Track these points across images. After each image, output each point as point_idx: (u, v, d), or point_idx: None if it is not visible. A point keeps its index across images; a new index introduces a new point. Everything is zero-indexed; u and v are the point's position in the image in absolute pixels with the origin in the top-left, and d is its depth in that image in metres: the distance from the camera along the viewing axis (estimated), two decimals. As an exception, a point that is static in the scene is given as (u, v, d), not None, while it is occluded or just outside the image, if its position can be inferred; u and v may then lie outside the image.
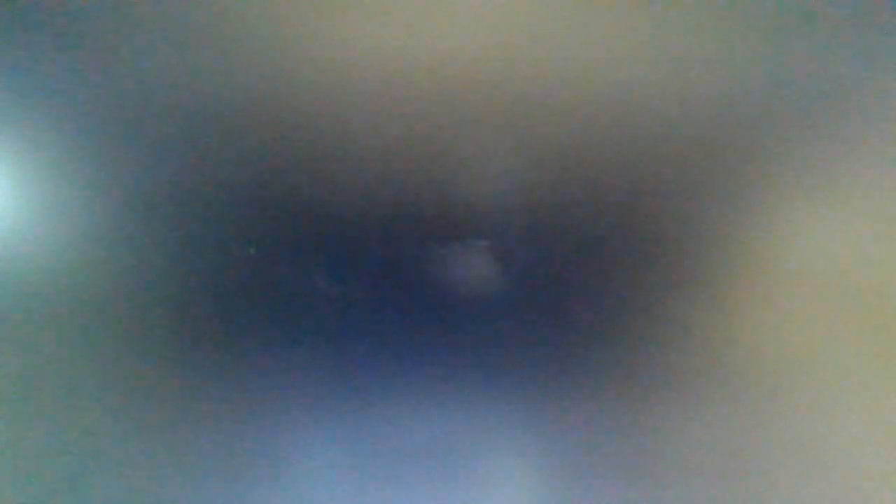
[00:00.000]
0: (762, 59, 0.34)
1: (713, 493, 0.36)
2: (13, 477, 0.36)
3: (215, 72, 0.34)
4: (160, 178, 0.35)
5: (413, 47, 0.34)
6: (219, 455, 0.36)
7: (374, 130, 0.34)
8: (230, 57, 0.34)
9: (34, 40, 0.34)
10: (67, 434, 0.35)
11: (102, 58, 0.34)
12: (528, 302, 0.35)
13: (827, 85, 0.34)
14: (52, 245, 0.35)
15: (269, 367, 0.35)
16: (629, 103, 0.34)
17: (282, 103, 0.34)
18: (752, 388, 0.35)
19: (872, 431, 0.36)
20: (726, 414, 0.36)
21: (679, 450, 0.36)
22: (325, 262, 0.35)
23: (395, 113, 0.34)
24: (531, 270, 0.35)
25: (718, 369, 0.35)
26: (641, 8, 0.34)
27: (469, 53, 0.34)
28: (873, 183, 0.35)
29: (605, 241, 0.35)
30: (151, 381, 0.35)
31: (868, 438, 0.36)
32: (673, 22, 0.34)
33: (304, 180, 0.34)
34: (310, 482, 0.36)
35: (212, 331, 0.35)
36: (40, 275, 0.35)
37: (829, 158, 0.35)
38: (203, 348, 0.35)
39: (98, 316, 0.35)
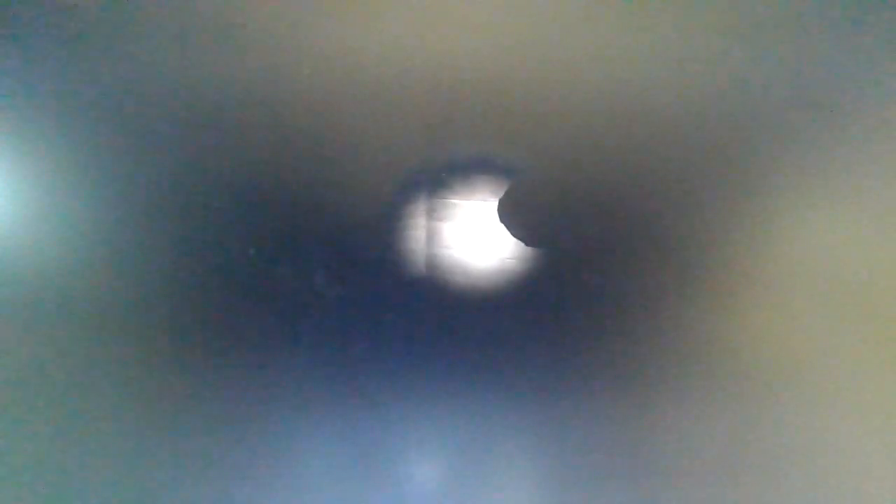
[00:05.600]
0: (763, 59, 0.34)
1: (713, 493, 0.36)
2: (13, 477, 0.36)
3: (216, 72, 0.34)
4: (160, 178, 0.35)
5: (413, 48, 0.34)
6: (218, 455, 0.36)
7: (374, 131, 0.34)
8: (230, 57, 0.34)
9: (34, 40, 0.34)
10: (67, 434, 0.35)
11: (102, 57, 0.34)
12: (528, 302, 0.35)
13: (828, 85, 0.34)
14: (51, 245, 0.35)
15: (269, 366, 0.35)
16: (630, 104, 0.34)
17: (282, 103, 0.34)
18: (752, 388, 0.36)
19: (872, 431, 0.36)
20: (726, 414, 0.36)
21: (679, 450, 0.36)
22: (325, 262, 0.35)
23: (396, 113, 0.34)
24: (532, 270, 0.35)
25: (718, 369, 0.35)
26: (642, 8, 0.34)
27: (471, 53, 0.34)
28: (874, 183, 0.35)
29: (605, 241, 0.35)
30: (151, 381, 0.35)
31: (868, 438, 0.36)
32: (674, 22, 0.34)
33: (305, 180, 0.34)
34: (309, 482, 0.36)
35: (211, 330, 0.35)
36: (40, 275, 0.35)
37: (829, 158, 0.35)
38: (203, 348, 0.35)
39: (97, 316, 0.35)
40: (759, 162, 0.35)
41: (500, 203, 0.35)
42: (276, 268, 0.35)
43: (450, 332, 0.35)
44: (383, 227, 0.35)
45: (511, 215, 0.35)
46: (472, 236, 0.35)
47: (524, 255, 0.35)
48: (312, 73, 0.34)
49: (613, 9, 0.34)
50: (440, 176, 0.35)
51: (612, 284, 0.35)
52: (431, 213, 0.35)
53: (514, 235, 0.35)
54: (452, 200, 0.35)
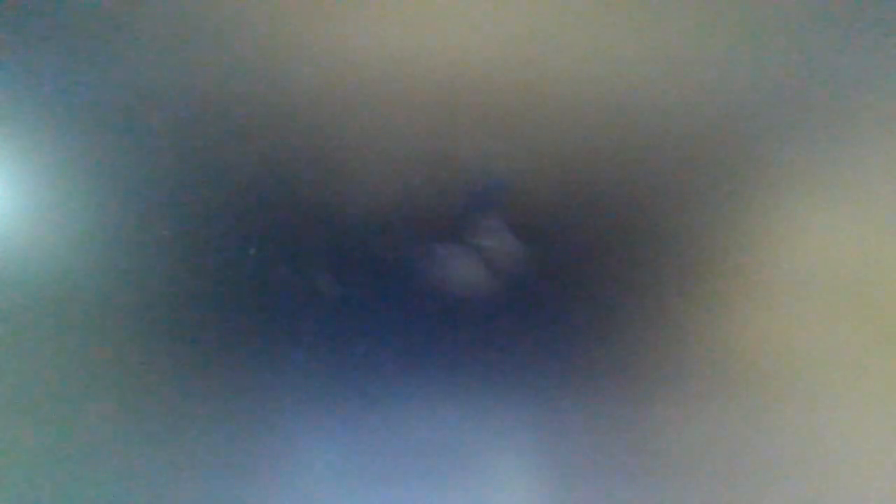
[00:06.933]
0: (763, 59, 0.34)
1: (713, 492, 0.36)
2: (13, 477, 0.36)
3: (216, 72, 0.34)
4: (160, 178, 0.35)
5: (413, 47, 0.34)
6: (219, 455, 0.36)
7: (374, 130, 0.34)
8: (230, 57, 0.34)
9: (35, 40, 0.34)
10: (67, 434, 0.35)
11: (102, 57, 0.34)
12: (528, 302, 0.35)
13: (827, 85, 0.34)
14: (51, 245, 0.35)
15: (269, 367, 0.35)
16: (629, 104, 0.34)
17: (282, 103, 0.34)
18: (752, 388, 0.35)
19: (872, 431, 0.36)
20: (726, 414, 0.36)
21: (679, 449, 0.36)
22: (325, 262, 0.35)
23: (396, 112, 0.34)
24: (531, 270, 0.35)
25: (718, 369, 0.35)
26: (643, 8, 0.34)
27: (470, 53, 0.34)
28: (874, 183, 0.35)
29: (605, 241, 0.35)
30: (151, 382, 0.35)
31: (868, 438, 0.36)
32: (674, 22, 0.34)
33: (305, 180, 0.34)
34: (310, 482, 0.36)
35: (212, 331, 0.35)
36: (40, 275, 0.35)
37: (829, 158, 0.35)
38: (203, 348, 0.35)
39: (97, 316, 0.35)
40: (759, 162, 0.35)
41: (501, 203, 0.35)
42: (276, 268, 0.35)
43: (450, 332, 0.35)
44: (384, 226, 0.35)
45: (512, 215, 0.35)
46: (472, 237, 0.35)
47: (524, 254, 0.35)
48: (312, 73, 0.34)
49: (615, 9, 0.34)
50: (442, 176, 0.35)
51: (612, 284, 0.35)
52: (433, 213, 0.35)
53: (515, 235, 0.35)
54: (453, 200, 0.35)
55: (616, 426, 0.36)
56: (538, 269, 0.35)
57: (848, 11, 0.34)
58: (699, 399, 0.36)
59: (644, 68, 0.34)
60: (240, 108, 0.34)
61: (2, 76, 0.34)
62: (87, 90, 0.34)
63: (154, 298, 0.35)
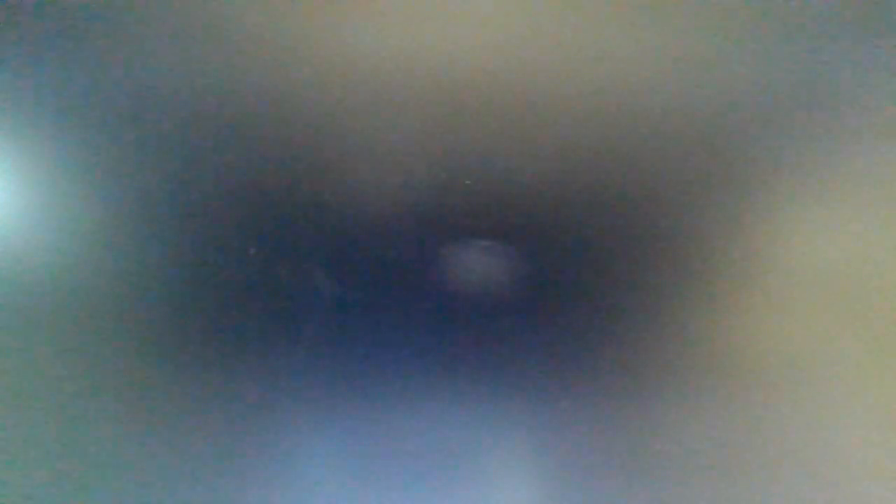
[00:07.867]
0: (763, 60, 0.34)
1: (713, 492, 0.36)
2: (13, 477, 0.36)
3: (216, 71, 0.34)
4: (160, 178, 0.35)
5: (414, 46, 0.34)
6: (218, 455, 0.35)
7: (375, 130, 0.34)
8: (231, 57, 0.34)
9: (35, 40, 0.34)
10: (67, 435, 0.35)
11: (102, 57, 0.34)
12: (528, 302, 0.35)
13: (827, 85, 0.34)
14: (51, 245, 0.35)
15: (269, 367, 0.35)
16: (630, 104, 0.34)
17: (283, 102, 0.34)
18: (752, 388, 0.36)
19: (872, 431, 0.36)
20: (726, 414, 0.36)
21: (679, 449, 0.36)
22: (325, 262, 0.35)
23: (397, 112, 0.34)
24: (532, 271, 0.35)
25: (718, 369, 0.35)
26: (643, 8, 0.34)
27: (471, 53, 0.34)
28: (873, 183, 0.35)
29: (606, 241, 0.35)
30: (150, 382, 0.35)
31: (868, 438, 0.36)
32: (675, 22, 0.34)
33: (305, 180, 0.34)
34: (310, 482, 0.36)
35: (211, 330, 0.35)
36: (40, 275, 0.35)
37: (829, 158, 0.35)
38: (203, 348, 0.35)
39: (97, 316, 0.35)
40: (759, 162, 0.35)
41: (500, 204, 0.35)
42: (277, 268, 0.35)
43: (450, 332, 0.35)
44: (384, 226, 0.35)
45: (512, 215, 0.35)
46: (472, 237, 0.35)
47: (524, 254, 0.35)
48: (313, 72, 0.34)
49: (615, 9, 0.34)
50: (442, 176, 0.35)
51: (612, 284, 0.35)
52: (433, 213, 0.35)
53: (516, 235, 0.35)
54: (454, 200, 0.35)
55: (616, 426, 0.36)
56: (538, 269, 0.35)
57: (847, 12, 0.34)
58: (699, 399, 0.36)
59: (644, 68, 0.34)
60: (240, 108, 0.34)
61: (2, 76, 0.34)
62: (87, 90, 0.34)
63: (154, 298, 0.35)
